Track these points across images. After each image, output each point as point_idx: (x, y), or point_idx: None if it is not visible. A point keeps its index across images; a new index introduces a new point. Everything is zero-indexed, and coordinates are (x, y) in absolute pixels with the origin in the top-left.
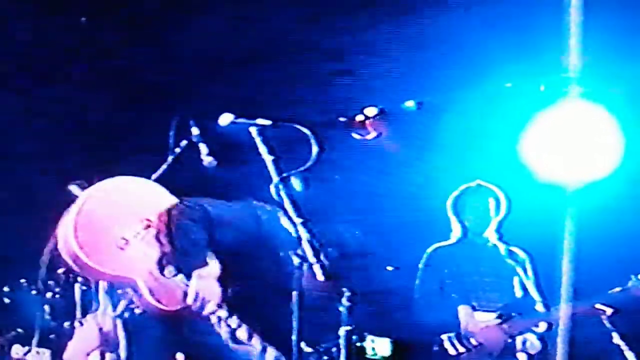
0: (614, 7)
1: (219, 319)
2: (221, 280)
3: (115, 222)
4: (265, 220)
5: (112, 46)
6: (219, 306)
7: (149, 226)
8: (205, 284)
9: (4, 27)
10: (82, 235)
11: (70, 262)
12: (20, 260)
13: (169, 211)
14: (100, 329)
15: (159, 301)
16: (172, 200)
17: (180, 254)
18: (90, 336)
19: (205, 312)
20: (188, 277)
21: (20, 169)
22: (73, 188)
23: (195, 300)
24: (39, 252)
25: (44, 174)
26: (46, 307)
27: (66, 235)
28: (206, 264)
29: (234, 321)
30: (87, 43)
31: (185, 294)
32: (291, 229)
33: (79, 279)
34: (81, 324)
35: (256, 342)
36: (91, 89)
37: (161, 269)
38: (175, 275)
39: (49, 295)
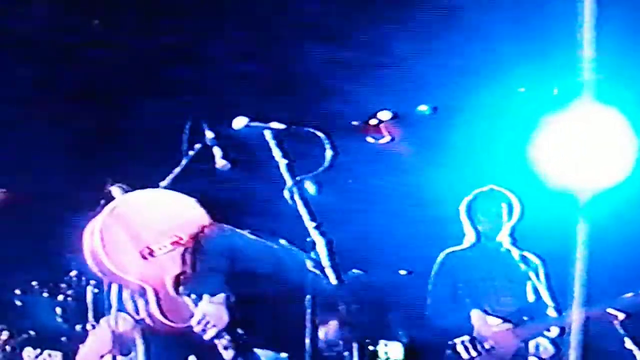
0: (627, 10)
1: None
2: (230, 310)
3: (144, 231)
4: (287, 264)
5: (125, 46)
6: (221, 334)
7: (178, 243)
8: (214, 309)
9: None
10: (108, 236)
11: (89, 259)
12: (32, 262)
13: (200, 232)
14: (113, 332)
15: (164, 315)
16: (206, 221)
17: (197, 276)
18: (103, 339)
19: (206, 337)
20: (198, 299)
21: (33, 172)
22: (114, 189)
23: (199, 322)
24: (50, 254)
25: (56, 177)
26: (58, 310)
27: (92, 231)
28: (220, 291)
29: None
30: (99, 43)
31: (191, 315)
32: (317, 272)
33: (92, 281)
34: (93, 326)
35: None
36: (102, 89)
37: (176, 286)
38: (188, 295)
39: (60, 297)
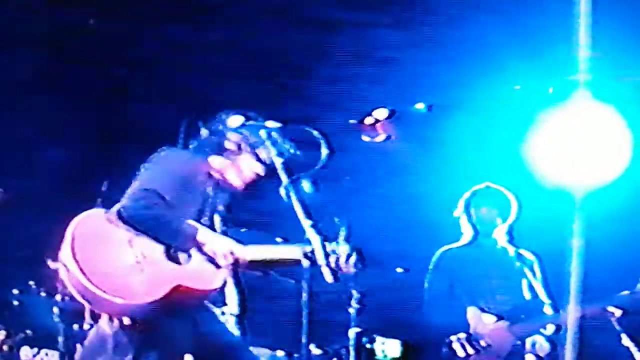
0: (622, 8)
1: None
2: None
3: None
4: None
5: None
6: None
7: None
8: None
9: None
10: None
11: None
12: (29, 262)
13: None
14: (112, 333)
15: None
16: None
17: None
18: (101, 339)
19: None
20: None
21: (30, 172)
22: None
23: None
24: (47, 254)
25: (53, 177)
26: (55, 309)
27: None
28: None
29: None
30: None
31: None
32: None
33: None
34: (91, 326)
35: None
36: (100, 89)
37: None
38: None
39: (58, 297)
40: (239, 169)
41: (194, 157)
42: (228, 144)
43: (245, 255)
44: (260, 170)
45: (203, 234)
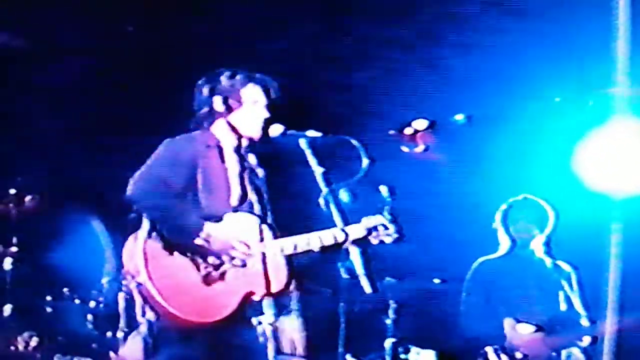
0: None
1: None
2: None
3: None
4: None
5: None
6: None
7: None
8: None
9: None
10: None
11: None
12: (63, 269)
13: None
14: (145, 342)
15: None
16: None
17: None
18: (137, 348)
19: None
20: None
21: (60, 177)
22: None
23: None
24: (81, 261)
25: (84, 181)
26: (89, 317)
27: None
28: None
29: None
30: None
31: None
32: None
33: (124, 288)
34: (125, 334)
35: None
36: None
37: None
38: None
39: (92, 304)
40: (248, 121)
41: (199, 135)
42: (231, 102)
43: (278, 247)
44: (265, 112)
45: (216, 231)
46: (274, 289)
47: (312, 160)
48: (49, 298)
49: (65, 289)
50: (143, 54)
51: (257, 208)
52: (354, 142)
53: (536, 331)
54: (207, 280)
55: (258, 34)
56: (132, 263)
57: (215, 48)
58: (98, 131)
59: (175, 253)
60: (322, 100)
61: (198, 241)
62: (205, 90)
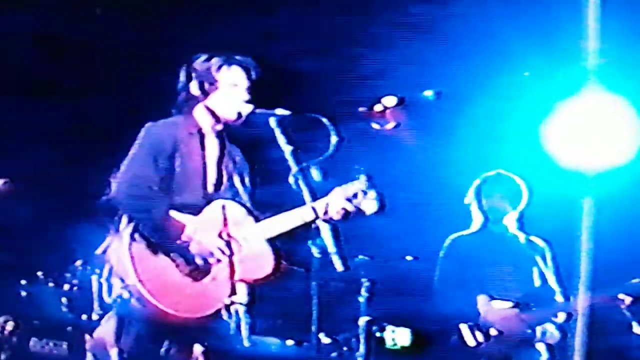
0: None
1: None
2: None
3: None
4: None
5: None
6: None
7: None
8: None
9: None
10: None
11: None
12: (37, 253)
13: None
14: (119, 322)
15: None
16: None
17: None
18: (111, 329)
19: None
20: None
21: (35, 161)
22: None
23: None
24: (55, 244)
25: (59, 166)
26: (63, 300)
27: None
28: None
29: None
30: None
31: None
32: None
33: (97, 270)
34: (100, 316)
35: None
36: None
37: None
38: None
39: (66, 287)
40: (226, 104)
41: (181, 120)
42: (207, 86)
43: (261, 231)
44: (246, 94)
45: (193, 228)
46: (262, 274)
47: (281, 139)
48: (23, 282)
49: (39, 273)
50: (112, 38)
51: (240, 191)
52: (324, 119)
53: (511, 308)
54: (194, 275)
55: (225, 15)
56: (121, 267)
57: (186, 31)
58: (69, 117)
59: (160, 252)
60: (290, 79)
61: (182, 237)
62: (182, 75)
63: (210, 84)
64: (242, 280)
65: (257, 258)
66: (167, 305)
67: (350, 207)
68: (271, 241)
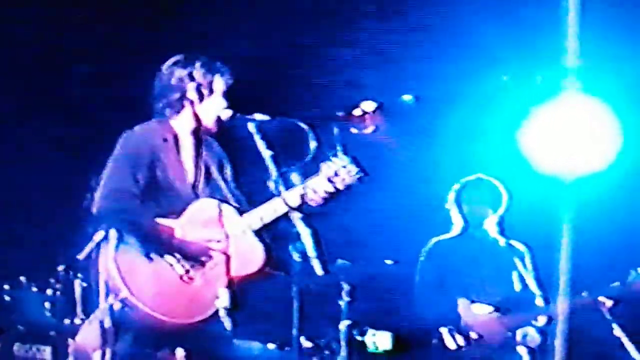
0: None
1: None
2: None
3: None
4: None
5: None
6: None
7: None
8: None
9: None
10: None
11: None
12: (20, 258)
13: None
14: (102, 326)
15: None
16: None
17: None
18: (94, 333)
19: None
20: None
21: (19, 165)
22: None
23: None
24: (38, 249)
25: (43, 170)
26: (46, 304)
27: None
28: None
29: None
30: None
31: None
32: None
33: (80, 275)
34: (82, 320)
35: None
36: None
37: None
38: None
39: (49, 292)
40: (211, 110)
41: (157, 126)
42: (189, 94)
43: (246, 224)
44: (223, 103)
45: (182, 232)
46: (253, 269)
47: (261, 144)
48: (7, 287)
49: (22, 278)
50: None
51: (222, 186)
52: (302, 124)
53: (491, 311)
54: (188, 277)
55: (203, 18)
56: (111, 282)
57: (160, 32)
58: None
59: (148, 260)
60: (268, 84)
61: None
62: (181, 73)
63: (206, 89)
64: (236, 277)
65: (247, 252)
66: (164, 313)
67: (332, 189)
68: (258, 233)
